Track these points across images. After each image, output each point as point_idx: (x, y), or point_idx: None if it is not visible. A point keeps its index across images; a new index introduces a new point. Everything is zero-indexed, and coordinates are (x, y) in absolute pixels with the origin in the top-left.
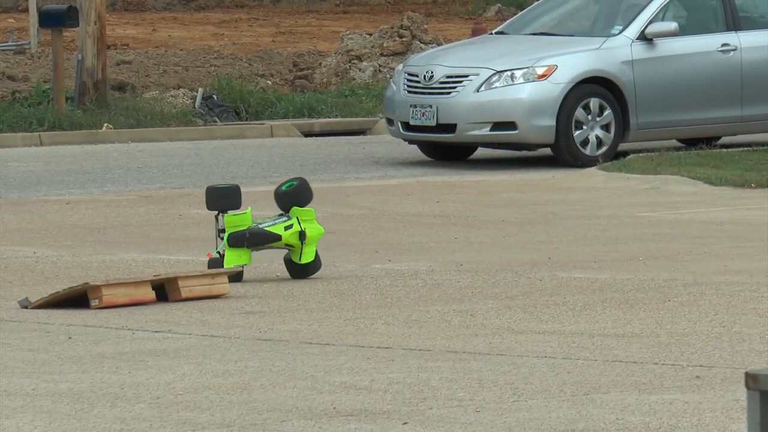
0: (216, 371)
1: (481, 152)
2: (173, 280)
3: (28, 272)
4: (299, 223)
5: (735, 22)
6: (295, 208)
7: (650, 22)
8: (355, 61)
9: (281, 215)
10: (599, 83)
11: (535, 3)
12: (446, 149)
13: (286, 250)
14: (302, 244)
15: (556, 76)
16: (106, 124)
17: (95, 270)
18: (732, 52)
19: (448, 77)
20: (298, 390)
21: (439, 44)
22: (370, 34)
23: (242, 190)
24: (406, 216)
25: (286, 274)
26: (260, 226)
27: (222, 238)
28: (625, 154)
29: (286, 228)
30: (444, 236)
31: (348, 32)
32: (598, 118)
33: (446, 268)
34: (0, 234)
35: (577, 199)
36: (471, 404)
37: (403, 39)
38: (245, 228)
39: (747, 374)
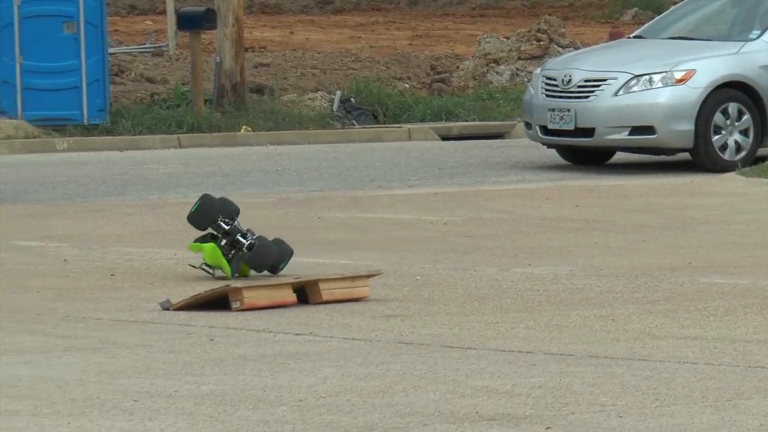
0: (357, 374)
1: (619, 156)
2: (314, 283)
3: (169, 274)
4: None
5: None
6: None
7: None
8: (493, 64)
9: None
10: (737, 88)
11: (673, 7)
12: (584, 153)
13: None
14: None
15: (694, 81)
16: (244, 127)
17: None
18: None
19: (586, 81)
20: (440, 394)
21: (576, 48)
22: (508, 38)
23: (381, 193)
24: (545, 220)
25: (427, 278)
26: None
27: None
28: (763, 159)
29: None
30: (583, 240)
31: (485, 35)
32: (736, 123)
33: (586, 273)
34: (140, 236)
35: (716, 204)
36: (613, 409)
37: (541, 43)
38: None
39: None
